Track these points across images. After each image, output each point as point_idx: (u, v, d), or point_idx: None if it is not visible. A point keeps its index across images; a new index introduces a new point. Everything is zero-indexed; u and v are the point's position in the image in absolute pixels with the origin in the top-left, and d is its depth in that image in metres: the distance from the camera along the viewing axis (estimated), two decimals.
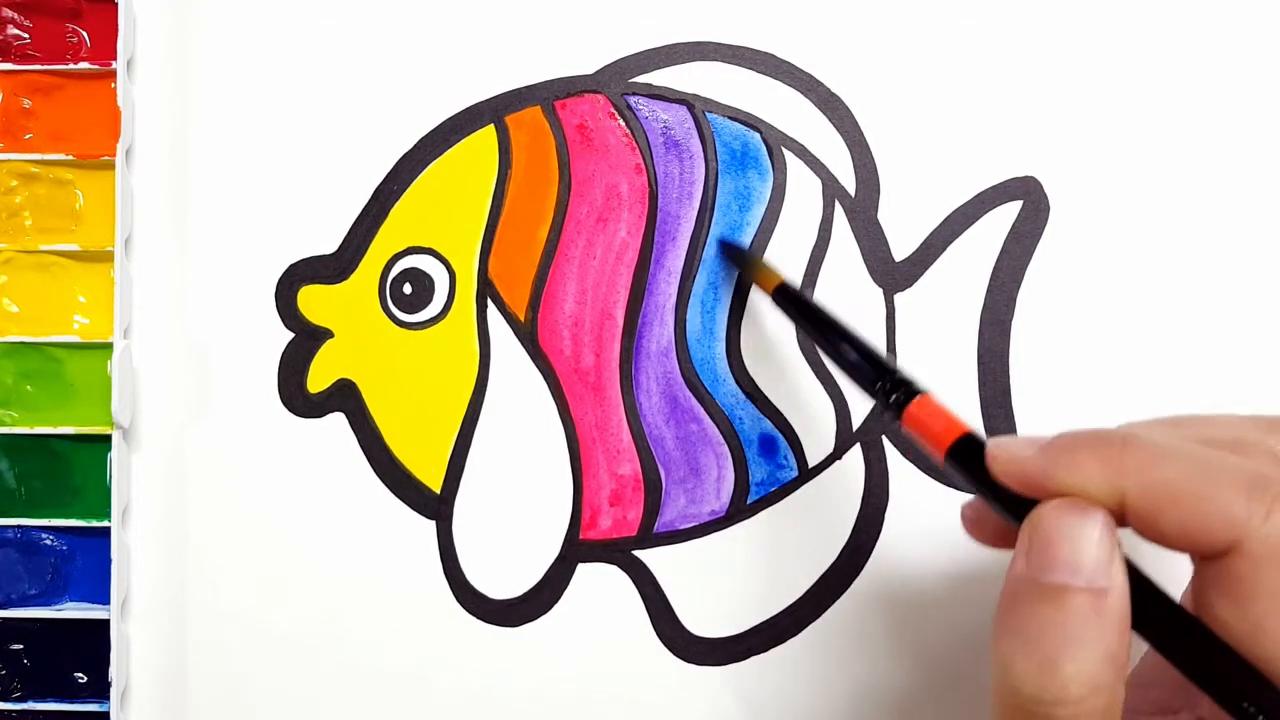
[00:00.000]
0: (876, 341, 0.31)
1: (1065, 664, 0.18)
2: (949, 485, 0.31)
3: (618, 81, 0.32)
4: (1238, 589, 0.18)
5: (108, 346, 0.31)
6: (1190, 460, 0.19)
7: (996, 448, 0.21)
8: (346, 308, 0.31)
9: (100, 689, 0.31)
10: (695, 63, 0.32)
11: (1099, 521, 0.19)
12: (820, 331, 0.27)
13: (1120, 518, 0.20)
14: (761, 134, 0.31)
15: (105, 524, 0.31)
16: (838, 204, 0.31)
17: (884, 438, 0.31)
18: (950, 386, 0.31)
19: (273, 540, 0.31)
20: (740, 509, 0.31)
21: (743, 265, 0.31)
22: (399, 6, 0.32)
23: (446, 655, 0.31)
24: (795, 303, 0.29)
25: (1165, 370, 0.31)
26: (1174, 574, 0.21)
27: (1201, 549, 0.19)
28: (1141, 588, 0.19)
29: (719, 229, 0.31)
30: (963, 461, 0.22)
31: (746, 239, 0.31)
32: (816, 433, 0.31)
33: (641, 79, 0.32)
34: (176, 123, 0.32)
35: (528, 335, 0.31)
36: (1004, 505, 0.21)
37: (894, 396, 0.24)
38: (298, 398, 0.31)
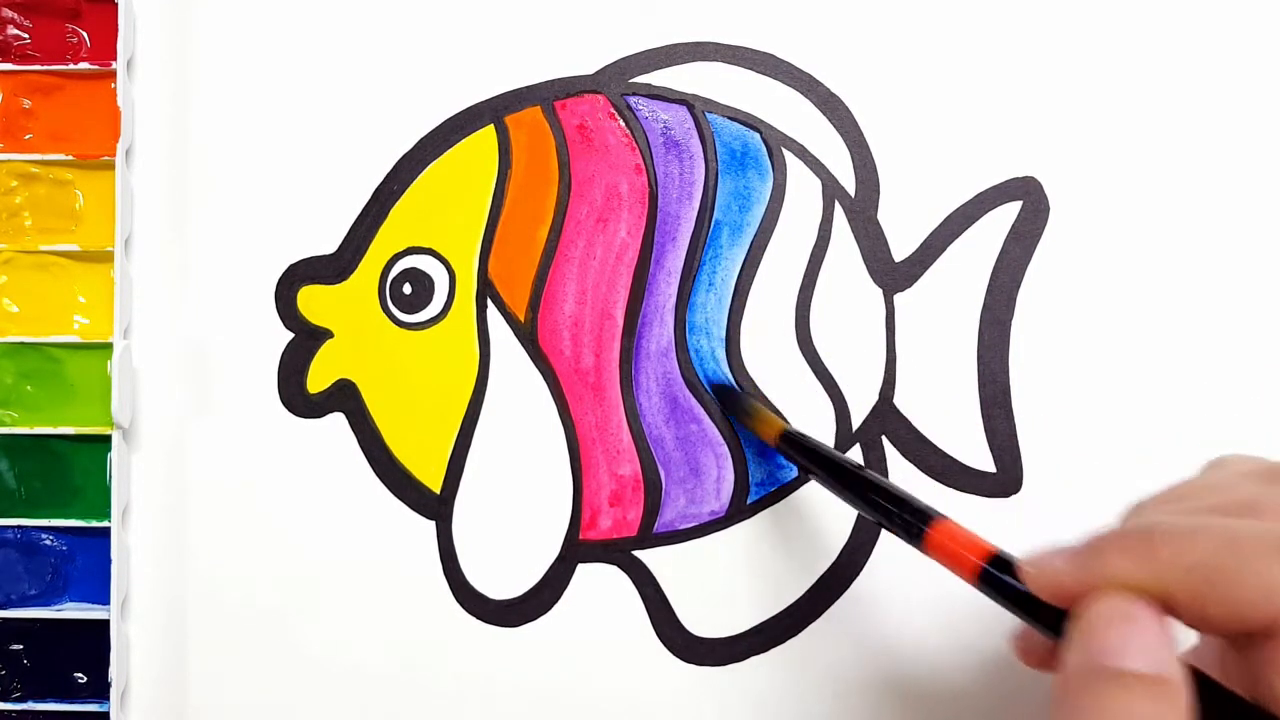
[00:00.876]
0: (876, 341, 0.31)
1: None
2: (948, 485, 0.31)
3: (618, 82, 0.32)
4: None
5: (108, 346, 0.31)
6: (1215, 536, 0.18)
7: (1031, 565, 0.21)
8: (346, 308, 0.31)
9: (100, 689, 0.31)
10: (695, 63, 0.32)
11: (1152, 611, 0.19)
12: (830, 473, 0.27)
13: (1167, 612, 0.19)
14: (761, 134, 0.31)
15: (105, 524, 0.31)
16: (838, 204, 0.31)
17: (883, 438, 0.31)
18: (950, 386, 0.31)
19: (273, 540, 0.31)
20: (740, 509, 0.31)
21: (737, 411, 0.31)
22: (399, 6, 0.32)
23: (446, 655, 0.31)
24: (800, 448, 0.28)
25: (1165, 370, 0.31)
26: None
27: (1250, 626, 0.18)
28: (1198, 680, 0.19)
29: (718, 234, 0.31)
30: (994, 582, 0.22)
31: (746, 239, 0.31)
32: (816, 433, 0.31)
33: (641, 79, 0.32)
34: (176, 123, 0.32)
35: (528, 335, 0.31)
36: (1041, 621, 0.21)
37: (914, 526, 0.24)
38: (298, 398, 0.31)
